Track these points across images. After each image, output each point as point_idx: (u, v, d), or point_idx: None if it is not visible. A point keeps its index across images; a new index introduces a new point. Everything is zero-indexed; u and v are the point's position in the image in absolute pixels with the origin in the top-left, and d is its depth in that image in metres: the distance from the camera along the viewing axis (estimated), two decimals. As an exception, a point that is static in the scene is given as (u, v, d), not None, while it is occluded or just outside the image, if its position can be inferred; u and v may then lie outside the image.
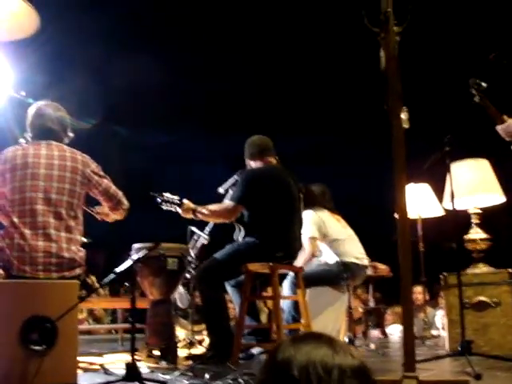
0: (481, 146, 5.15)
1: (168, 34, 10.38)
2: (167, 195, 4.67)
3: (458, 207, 4.63)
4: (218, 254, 4.59)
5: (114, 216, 4.07)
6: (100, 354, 5.18)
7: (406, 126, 2.82)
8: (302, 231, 4.92)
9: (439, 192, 6.09)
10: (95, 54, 9.71)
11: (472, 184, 4.90)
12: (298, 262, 5.12)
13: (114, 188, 3.92)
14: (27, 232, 3.51)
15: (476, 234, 4.93)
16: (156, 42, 10.58)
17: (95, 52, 9.71)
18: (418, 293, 7.48)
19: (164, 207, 4.69)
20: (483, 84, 4.00)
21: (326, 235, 5.56)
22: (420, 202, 6.52)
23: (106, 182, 3.88)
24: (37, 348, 3.15)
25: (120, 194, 3.95)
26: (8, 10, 2.85)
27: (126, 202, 3.99)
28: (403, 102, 2.85)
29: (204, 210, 4.63)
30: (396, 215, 2.76)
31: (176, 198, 4.67)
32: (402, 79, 2.86)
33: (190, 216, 4.68)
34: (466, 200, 4.93)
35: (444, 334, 6.06)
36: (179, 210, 4.65)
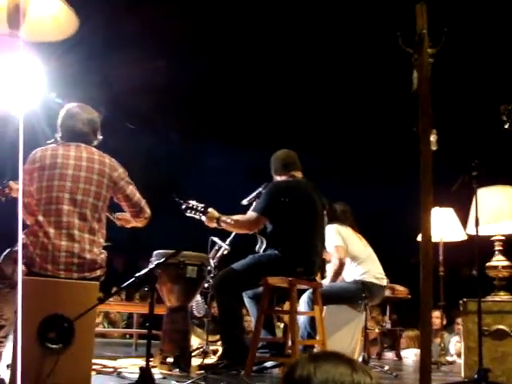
0: (508, 174, 5.11)
1: (195, 48, 10.44)
2: (193, 202, 4.70)
3: (482, 233, 4.59)
4: (238, 264, 4.59)
5: (135, 224, 4.09)
6: (114, 358, 5.19)
7: (434, 148, 2.82)
8: (326, 244, 4.91)
9: (462, 217, 6.04)
10: (123, 63, 9.79)
11: (498, 211, 4.85)
12: (328, 274, 5.12)
13: (138, 195, 3.93)
14: (51, 231, 3.54)
15: (498, 261, 4.88)
16: (186, 54, 10.65)
17: (123, 60, 9.78)
18: (436, 317, 7.39)
19: (188, 214, 4.72)
20: None
21: (348, 251, 5.55)
22: (443, 225, 6.48)
23: (131, 188, 3.90)
24: (53, 346, 3.18)
25: (143, 202, 3.96)
26: (49, 11, 2.90)
27: (148, 211, 3.99)
28: (433, 123, 2.85)
29: (228, 220, 4.65)
30: (419, 238, 2.75)
31: (201, 205, 4.69)
32: (432, 101, 2.86)
33: (213, 225, 4.69)
34: (491, 226, 4.88)
35: (459, 360, 5.99)
36: (203, 218, 4.67)
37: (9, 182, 4.11)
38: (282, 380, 1.17)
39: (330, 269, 5.60)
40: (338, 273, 5.48)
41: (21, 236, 1.15)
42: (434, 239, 6.36)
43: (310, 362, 1.13)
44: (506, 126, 4.00)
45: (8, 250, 3.67)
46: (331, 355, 1.16)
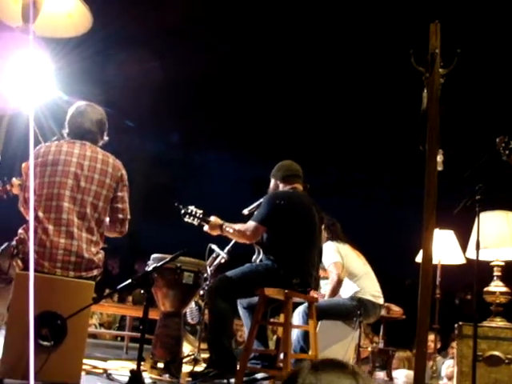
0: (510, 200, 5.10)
1: (202, 56, 10.47)
2: (191, 208, 4.70)
3: (482, 257, 4.57)
4: (234, 272, 4.57)
5: (109, 234, 3.97)
6: (104, 359, 5.16)
7: (440, 168, 2.81)
8: (323, 260, 4.89)
9: (462, 240, 6.02)
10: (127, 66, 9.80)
11: (499, 236, 4.83)
12: (326, 291, 5.11)
13: (126, 205, 3.84)
14: (50, 228, 3.53)
15: (496, 287, 4.85)
16: (194, 62, 10.67)
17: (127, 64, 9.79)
18: (430, 341, 7.36)
19: (186, 219, 4.71)
20: None
21: (345, 269, 5.53)
22: (443, 248, 6.45)
23: (124, 195, 3.83)
24: (45, 343, 3.16)
25: (128, 216, 3.86)
26: (64, 7, 2.90)
27: (126, 227, 3.88)
28: (440, 144, 2.84)
29: (229, 229, 4.65)
30: (418, 258, 2.73)
31: (200, 211, 4.69)
32: (441, 121, 2.85)
33: (216, 232, 4.69)
34: (491, 251, 4.86)
35: (450, 384, 5.96)
36: (205, 226, 4.67)
37: (12, 179, 4.11)
38: None
39: (326, 286, 5.58)
40: (335, 289, 5.46)
41: (32, 232, 1.13)
42: (433, 261, 6.34)
43: (312, 372, 1.09)
44: (504, 158, 4.00)
45: (5, 245, 3.66)
46: (334, 365, 1.11)
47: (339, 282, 5.48)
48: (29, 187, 3.69)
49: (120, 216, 3.83)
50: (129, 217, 3.87)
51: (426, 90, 2.87)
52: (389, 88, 9.14)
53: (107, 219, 3.92)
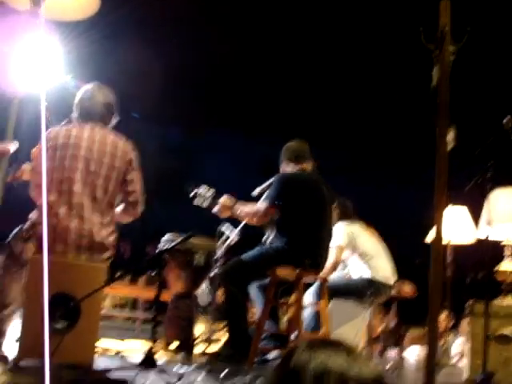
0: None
1: (210, 35, 10.39)
2: (202, 189, 4.68)
3: (493, 235, 4.55)
4: (246, 255, 4.59)
5: (124, 219, 3.99)
6: (118, 341, 5.20)
7: (451, 145, 2.79)
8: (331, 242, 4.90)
9: (476, 216, 5.99)
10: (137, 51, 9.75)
11: (510, 213, 4.81)
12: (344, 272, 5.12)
13: (138, 187, 3.83)
14: (61, 212, 3.54)
15: (507, 265, 4.84)
16: (201, 41, 10.60)
17: (137, 49, 9.75)
18: (442, 320, 7.36)
19: (195, 203, 4.71)
20: None
21: (357, 249, 5.52)
22: (456, 224, 6.41)
23: (135, 177, 3.81)
24: (58, 325, 3.19)
25: (140, 198, 3.85)
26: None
27: (139, 209, 3.88)
28: (451, 120, 2.82)
29: (239, 211, 4.65)
30: (429, 238, 2.73)
31: (212, 191, 4.68)
32: (451, 98, 2.83)
33: (227, 214, 4.69)
34: (502, 229, 4.84)
35: (461, 362, 5.96)
36: (215, 209, 4.66)
37: (22, 165, 4.11)
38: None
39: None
40: (329, 272, 5.40)
41: (45, 217, 1.13)
42: (445, 240, 6.32)
43: (307, 349, 1.08)
44: None
45: (18, 229, 3.68)
46: (330, 343, 1.11)
47: (335, 265, 5.44)
48: (40, 172, 3.70)
49: (131, 199, 3.83)
50: (141, 199, 3.87)
51: (435, 68, 2.85)
52: (399, 66, 9.05)
53: (121, 205, 3.94)
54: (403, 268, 6.23)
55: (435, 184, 2.72)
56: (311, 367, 1.04)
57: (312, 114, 11.42)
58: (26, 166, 4.03)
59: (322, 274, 4.84)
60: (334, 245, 5.38)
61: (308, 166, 4.83)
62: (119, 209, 3.91)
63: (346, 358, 1.05)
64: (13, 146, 3.69)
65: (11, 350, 3.46)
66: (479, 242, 5.92)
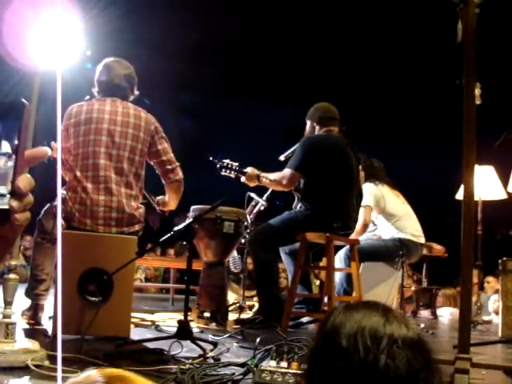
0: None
1: (231, 4, 10.29)
2: (227, 161, 4.70)
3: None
4: (275, 220, 4.60)
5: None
6: (151, 312, 5.27)
7: (478, 102, 2.74)
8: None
9: (503, 176, 5.92)
10: (158, 22, 9.71)
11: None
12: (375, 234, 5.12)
13: (171, 155, 3.87)
14: (89, 186, 3.56)
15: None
16: (222, 11, 10.50)
17: (158, 20, 9.71)
18: (474, 275, 7.31)
19: (223, 173, 4.72)
20: None
21: (384, 210, 5.50)
22: (483, 184, 6.35)
23: (165, 146, 3.84)
24: (93, 299, 3.23)
25: (176, 163, 3.89)
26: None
27: (180, 174, 3.91)
28: (477, 77, 2.76)
29: (265, 179, 4.66)
30: (459, 195, 2.69)
31: (235, 164, 4.69)
32: (477, 54, 2.76)
33: (254, 183, 4.70)
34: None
35: (496, 319, 5.94)
36: (242, 178, 4.68)
37: (51, 143, 4.14)
38: (316, 331, 1.15)
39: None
40: (360, 232, 5.40)
41: (60, 193, 1.13)
42: (475, 196, 6.26)
43: (343, 312, 1.10)
44: None
45: (48, 205, 3.72)
46: (366, 305, 1.12)
47: (365, 226, 5.44)
48: (64, 148, 3.72)
49: (168, 167, 3.86)
50: (177, 163, 3.90)
51: (460, 22, 2.78)
52: (423, 22, 8.88)
53: (165, 198, 3.98)
54: (433, 229, 6.20)
55: (463, 140, 2.67)
56: (346, 326, 1.06)
57: (334, 79, 11.29)
58: (54, 144, 4.06)
59: (352, 235, 4.84)
60: (362, 205, 5.38)
61: (335, 128, 4.79)
62: (167, 197, 3.98)
63: (381, 316, 1.06)
64: (48, 151, 3.72)
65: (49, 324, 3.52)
66: (510, 197, 5.86)
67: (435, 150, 12.02)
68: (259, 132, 13.45)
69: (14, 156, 0.75)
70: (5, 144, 0.76)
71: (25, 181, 0.74)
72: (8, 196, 0.73)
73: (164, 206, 4.12)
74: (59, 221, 1.21)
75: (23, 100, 0.75)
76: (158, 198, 4.14)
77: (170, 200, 4.02)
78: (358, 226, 5.39)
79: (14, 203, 0.73)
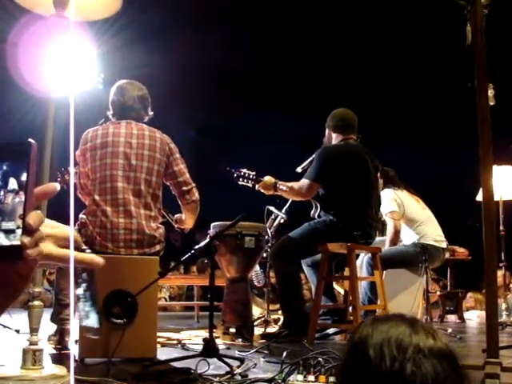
0: None
1: (244, 17, 10.36)
2: (244, 170, 4.71)
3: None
4: (295, 232, 4.60)
5: (189, 221, 4.05)
6: (177, 330, 5.27)
7: (491, 103, 2.72)
8: (381, 210, 4.86)
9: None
10: (171, 36, 9.81)
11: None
12: (386, 241, 5.13)
13: (187, 176, 3.89)
14: (108, 209, 3.59)
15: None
16: (231, 24, 10.58)
17: (171, 34, 9.81)
18: (499, 278, 7.24)
19: (240, 182, 4.73)
20: None
21: (405, 215, 5.48)
22: (503, 184, 6.30)
23: (181, 167, 3.87)
24: (118, 321, 3.24)
25: (193, 184, 3.92)
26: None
27: (196, 195, 3.94)
28: (489, 78, 2.74)
29: (283, 187, 4.65)
30: (479, 197, 2.67)
31: (252, 173, 4.70)
32: (488, 54, 2.75)
33: (270, 192, 4.70)
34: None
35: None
36: (256, 186, 4.68)
37: (68, 168, 4.18)
38: (346, 344, 1.18)
39: (388, 235, 5.56)
40: (393, 239, 5.41)
41: (72, 218, 1.14)
42: (496, 196, 6.20)
43: (370, 324, 1.12)
44: None
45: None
46: (392, 317, 1.14)
47: (396, 232, 5.44)
48: (82, 173, 3.76)
49: (185, 188, 3.88)
50: (193, 184, 3.93)
51: (469, 24, 2.76)
52: (433, 26, 8.86)
53: (182, 216, 3.99)
54: (456, 231, 6.15)
55: (479, 142, 2.65)
56: (373, 337, 1.07)
57: (349, 85, 11.29)
58: (71, 170, 4.10)
59: (386, 245, 4.87)
60: (385, 212, 5.36)
61: (353, 135, 4.78)
62: (184, 215, 4.01)
63: (408, 327, 1.08)
64: (57, 186, 3.76)
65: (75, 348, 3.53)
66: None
67: (455, 151, 11.96)
68: (274, 143, 13.48)
69: (21, 192, 0.77)
70: (12, 181, 0.78)
71: (35, 217, 0.76)
72: (19, 232, 0.74)
73: (182, 224, 4.14)
74: (72, 245, 1.22)
75: (30, 140, 0.77)
76: (175, 216, 4.17)
77: (186, 219, 4.04)
78: (390, 233, 5.39)
79: (26, 239, 0.74)
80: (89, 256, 0.90)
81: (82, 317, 1.08)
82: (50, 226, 0.86)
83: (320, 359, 2.32)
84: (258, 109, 12.69)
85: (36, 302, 2.57)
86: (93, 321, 1.09)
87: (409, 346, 1.04)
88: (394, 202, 5.47)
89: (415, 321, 1.12)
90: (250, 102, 12.39)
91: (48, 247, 0.82)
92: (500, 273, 7.10)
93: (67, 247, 0.86)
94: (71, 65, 2.76)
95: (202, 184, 4.01)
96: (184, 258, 3.35)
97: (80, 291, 1.07)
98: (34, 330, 2.58)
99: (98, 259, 0.90)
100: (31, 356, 2.49)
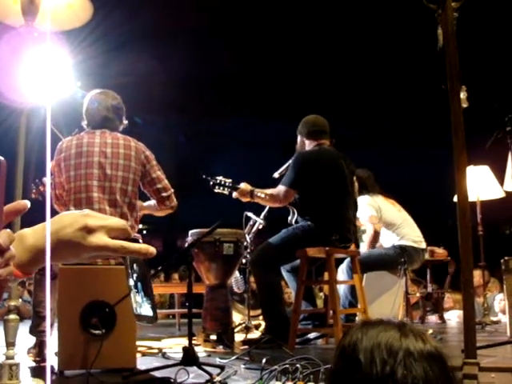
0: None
1: (230, 26, 10.38)
2: (220, 178, 4.69)
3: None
4: (273, 238, 4.59)
5: (159, 213, 4.05)
6: (158, 339, 5.24)
7: (464, 105, 2.74)
8: (359, 215, 4.87)
9: (499, 174, 5.91)
10: (149, 46, 9.80)
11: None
12: (364, 244, 5.12)
13: (165, 182, 3.88)
14: (84, 220, 3.55)
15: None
16: (214, 31, 10.59)
17: (149, 43, 9.80)
18: (478, 276, 7.28)
19: (216, 190, 4.71)
20: None
21: (383, 219, 5.51)
22: (479, 184, 6.34)
23: (158, 174, 3.86)
24: (96, 332, 3.22)
25: (171, 190, 3.91)
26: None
27: (175, 200, 3.93)
28: (462, 80, 2.76)
29: (260, 194, 4.64)
30: (455, 198, 2.69)
31: (228, 180, 4.68)
32: (460, 57, 2.77)
33: (247, 199, 4.68)
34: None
35: (504, 319, 5.90)
36: (233, 193, 4.66)
37: (43, 179, 4.14)
38: (335, 348, 1.18)
39: (366, 238, 5.59)
40: (373, 242, 5.45)
41: (49, 228, 1.13)
42: (471, 198, 6.24)
43: (359, 328, 1.13)
44: None
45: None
46: (381, 321, 1.15)
47: (376, 235, 5.47)
48: (58, 183, 3.73)
49: (164, 194, 3.88)
50: (172, 190, 3.92)
51: (440, 27, 2.78)
52: (405, 30, 8.94)
53: (152, 203, 3.97)
54: (436, 231, 6.18)
55: (453, 143, 2.67)
56: (363, 342, 1.08)
57: (329, 89, 11.34)
58: (46, 180, 4.07)
59: (365, 248, 4.87)
60: (364, 217, 5.38)
61: (325, 141, 4.79)
62: (153, 202, 3.97)
63: (397, 331, 1.09)
64: (27, 203, 3.73)
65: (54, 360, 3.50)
66: (508, 196, 5.86)
67: (432, 151, 12.06)
68: (254, 148, 13.50)
69: None
70: None
71: (4, 236, 0.74)
72: None
73: (144, 211, 4.11)
74: (48, 256, 1.21)
75: None
76: (144, 203, 4.12)
77: (154, 213, 4.05)
78: (368, 235, 5.42)
79: None
80: (144, 246, 0.91)
81: (136, 306, 1.09)
82: (100, 218, 0.86)
83: (298, 365, 2.31)
84: (240, 114, 12.72)
85: (12, 316, 2.53)
86: (146, 310, 1.09)
87: (399, 349, 1.05)
88: (371, 207, 5.51)
89: (404, 325, 1.13)
90: (228, 107, 12.41)
91: (103, 240, 0.82)
92: (478, 272, 7.15)
93: (118, 238, 0.86)
94: (46, 74, 2.73)
95: (183, 190, 4.00)
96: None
97: (131, 282, 1.08)
98: (10, 344, 2.55)
99: (152, 249, 0.92)
100: (7, 371, 2.46)
